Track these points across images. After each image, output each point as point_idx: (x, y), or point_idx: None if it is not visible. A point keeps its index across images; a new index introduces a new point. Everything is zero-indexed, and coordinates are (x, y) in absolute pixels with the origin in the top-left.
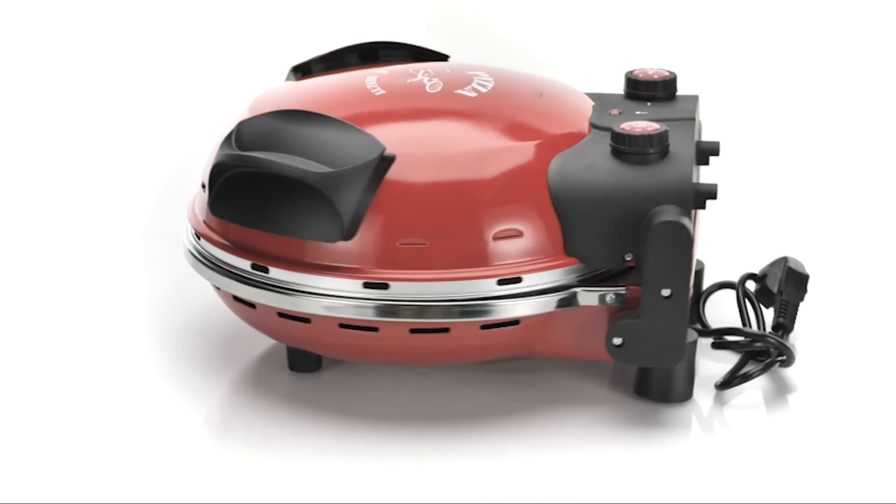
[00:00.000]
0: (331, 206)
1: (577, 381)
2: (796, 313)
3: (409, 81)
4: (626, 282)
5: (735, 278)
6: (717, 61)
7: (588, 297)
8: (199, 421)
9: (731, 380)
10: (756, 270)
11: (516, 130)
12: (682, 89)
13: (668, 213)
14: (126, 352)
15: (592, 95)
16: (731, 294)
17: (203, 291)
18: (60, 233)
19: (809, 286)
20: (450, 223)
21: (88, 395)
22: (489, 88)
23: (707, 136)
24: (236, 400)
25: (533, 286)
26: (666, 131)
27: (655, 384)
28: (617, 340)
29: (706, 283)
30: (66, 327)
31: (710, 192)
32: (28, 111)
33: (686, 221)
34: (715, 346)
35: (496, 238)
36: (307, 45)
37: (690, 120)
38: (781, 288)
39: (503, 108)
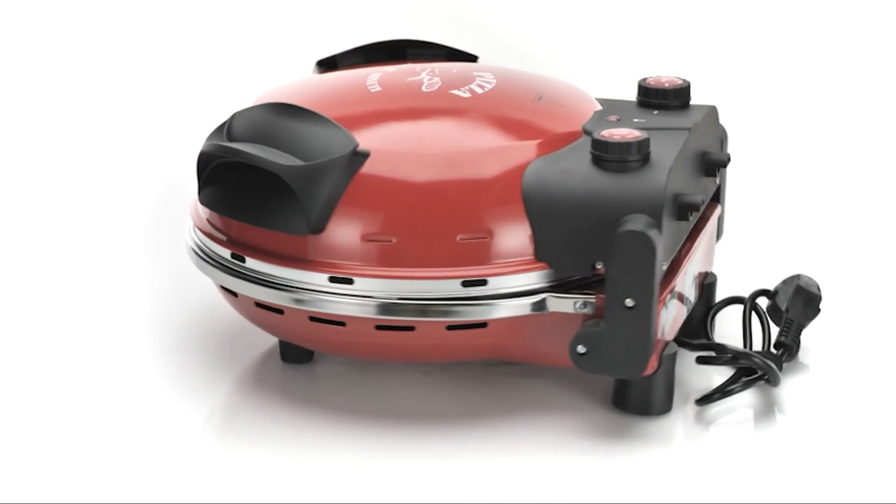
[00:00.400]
0: (299, 200)
1: (573, 387)
2: (800, 333)
3: (408, 80)
4: (597, 290)
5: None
6: (739, 74)
7: (558, 304)
8: (201, 419)
9: (711, 395)
10: (772, 286)
11: (499, 133)
12: (704, 99)
13: (635, 223)
14: (129, 349)
15: (606, 102)
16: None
17: (206, 289)
18: (61, 231)
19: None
20: (416, 222)
21: (89, 394)
22: (487, 89)
23: (731, 147)
24: (238, 398)
25: (499, 289)
26: (646, 140)
27: (632, 396)
28: (581, 349)
29: (720, 297)
30: (67, 326)
31: (693, 205)
32: (31, 112)
33: (652, 232)
34: (699, 360)
35: (463, 239)
36: (307, 45)
37: (685, 130)
38: (788, 306)
39: (493, 110)
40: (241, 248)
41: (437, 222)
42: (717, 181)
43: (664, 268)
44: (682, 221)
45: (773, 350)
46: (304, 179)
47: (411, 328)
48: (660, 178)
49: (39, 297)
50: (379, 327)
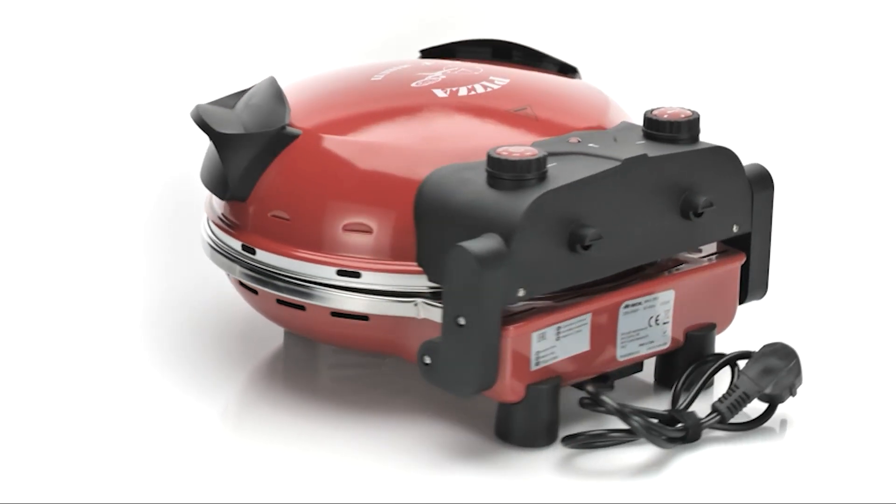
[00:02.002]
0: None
1: None
2: (746, 402)
3: (415, 74)
4: None
5: None
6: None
7: (427, 311)
8: (216, 413)
9: (577, 436)
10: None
11: (434, 135)
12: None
13: (476, 241)
14: (142, 344)
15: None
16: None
17: (221, 284)
18: (74, 229)
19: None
20: (307, 204)
21: (104, 390)
22: (476, 93)
23: None
24: (253, 392)
25: (371, 285)
26: (540, 159)
27: (497, 420)
28: (426, 359)
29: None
30: (80, 324)
31: (593, 237)
32: (34, 109)
33: (478, 249)
34: (581, 403)
35: (346, 229)
36: (308, 45)
37: (616, 161)
38: (742, 371)
39: (454, 112)
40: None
41: (326, 208)
42: (736, 229)
43: (521, 295)
44: (585, 252)
45: (689, 412)
46: (226, 146)
47: (302, 308)
48: (527, 201)
49: (52, 295)
50: (278, 301)
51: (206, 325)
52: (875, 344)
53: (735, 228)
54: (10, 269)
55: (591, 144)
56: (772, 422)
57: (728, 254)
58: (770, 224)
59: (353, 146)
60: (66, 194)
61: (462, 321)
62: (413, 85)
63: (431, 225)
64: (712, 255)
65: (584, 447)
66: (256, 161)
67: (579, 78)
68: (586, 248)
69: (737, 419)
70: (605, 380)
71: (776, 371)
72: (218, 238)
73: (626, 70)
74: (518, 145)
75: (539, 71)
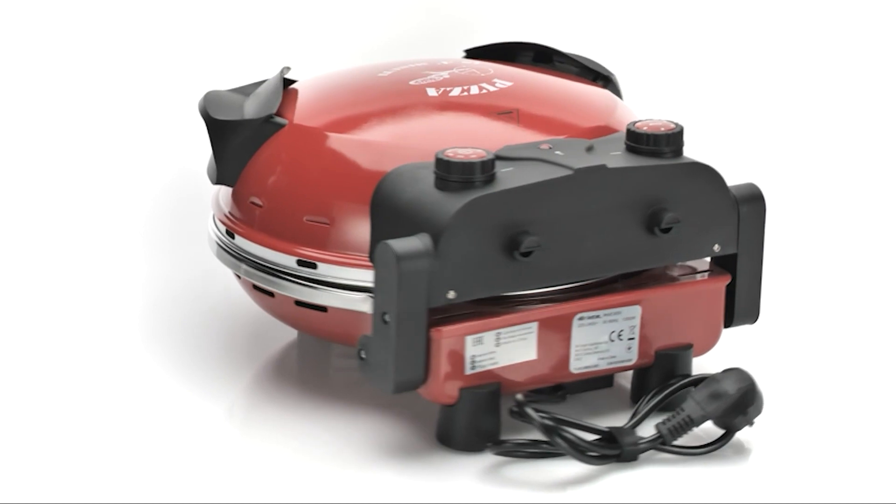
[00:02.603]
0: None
1: None
2: (689, 428)
3: (419, 72)
4: None
5: None
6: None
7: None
8: (222, 412)
9: (502, 443)
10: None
11: (405, 133)
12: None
13: (402, 240)
14: (147, 344)
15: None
16: None
17: (228, 282)
18: (80, 226)
19: None
20: (276, 192)
21: (110, 389)
22: (469, 94)
23: None
24: (259, 392)
25: (326, 276)
26: (486, 162)
27: (438, 423)
28: (362, 353)
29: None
30: (87, 320)
31: (517, 244)
32: (36, 106)
33: (400, 247)
34: (510, 413)
35: (307, 220)
36: (307, 45)
37: (569, 169)
38: (691, 394)
39: (435, 112)
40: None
41: (290, 198)
42: (718, 248)
43: (451, 297)
44: (526, 260)
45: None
46: (214, 130)
47: (272, 294)
48: (460, 203)
49: (58, 294)
50: (254, 286)
51: (213, 322)
52: (861, 382)
53: (717, 248)
54: (17, 267)
55: (557, 152)
56: (728, 449)
57: (710, 273)
58: (760, 247)
59: (324, 139)
60: (71, 192)
61: (387, 318)
62: (411, 83)
63: (381, 221)
64: (694, 273)
65: (508, 454)
66: (243, 148)
67: (614, 86)
68: (525, 255)
69: (692, 443)
70: (557, 391)
71: (724, 397)
72: (217, 229)
73: (658, 77)
74: (469, 147)
75: (568, 77)
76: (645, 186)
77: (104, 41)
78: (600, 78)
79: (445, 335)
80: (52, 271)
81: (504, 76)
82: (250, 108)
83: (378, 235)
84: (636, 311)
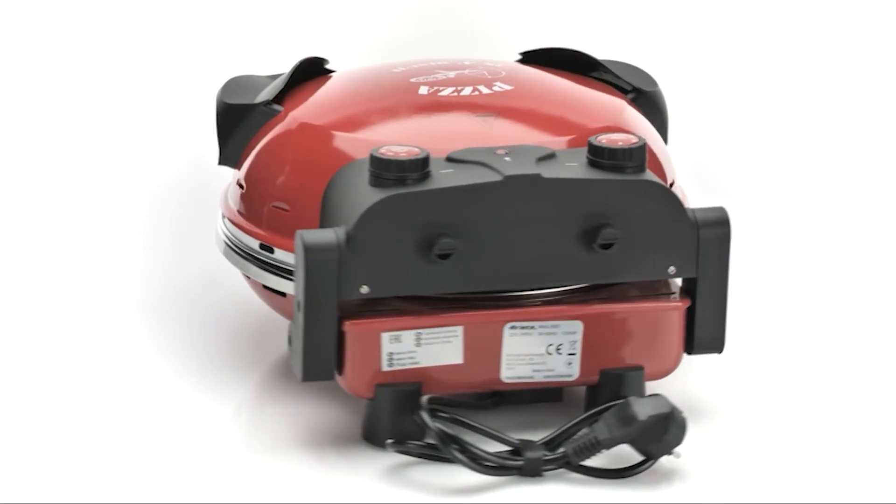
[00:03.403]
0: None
1: None
2: (597, 450)
3: (427, 70)
4: None
5: None
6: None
7: None
8: (229, 413)
9: (403, 442)
10: None
11: (373, 128)
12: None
13: (315, 230)
14: (154, 342)
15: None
16: None
17: (235, 282)
18: (85, 223)
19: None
20: (253, 177)
21: (117, 389)
22: (459, 95)
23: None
24: (267, 393)
25: (283, 262)
26: (416, 160)
27: (363, 419)
28: (288, 340)
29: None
30: (94, 320)
31: (431, 245)
32: (38, 104)
33: (310, 238)
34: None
35: (273, 206)
36: (308, 44)
37: (499, 175)
38: (603, 416)
39: (415, 111)
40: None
41: (263, 183)
42: (673, 271)
43: (364, 291)
44: (445, 262)
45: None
46: (221, 114)
47: (248, 276)
48: (377, 198)
49: (63, 292)
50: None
51: (220, 320)
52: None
53: (672, 270)
54: (21, 265)
55: (506, 158)
56: (649, 476)
57: (666, 296)
58: (724, 274)
59: (299, 127)
60: (77, 190)
61: (299, 306)
62: (412, 80)
63: (325, 211)
64: (651, 294)
65: (407, 454)
66: (244, 131)
67: (648, 98)
68: (442, 257)
69: (609, 466)
70: (490, 398)
71: (634, 422)
72: (226, 229)
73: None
74: (405, 145)
75: (598, 86)
76: (585, 200)
77: (114, 34)
78: (633, 91)
79: (359, 329)
80: (54, 270)
81: (510, 79)
82: (260, 95)
83: (323, 225)
84: (577, 326)
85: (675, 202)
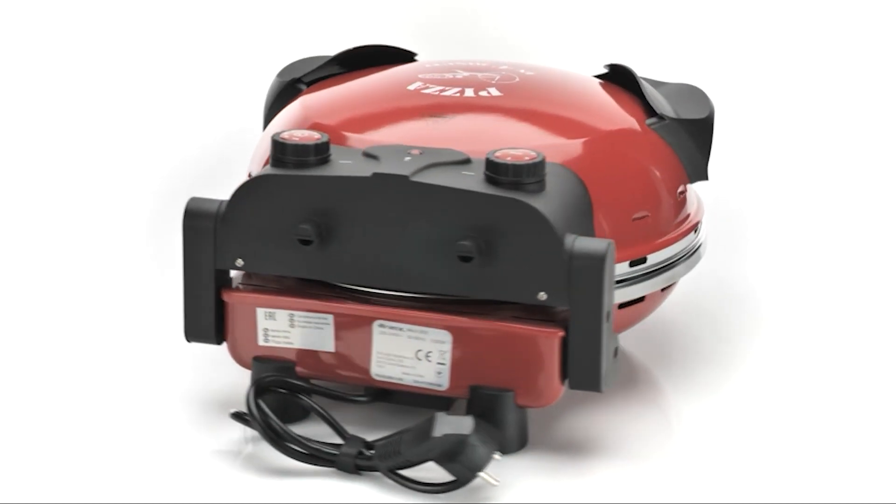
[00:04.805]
0: None
1: None
2: (397, 457)
3: (441, 67)
4: None
5: None
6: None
7: None
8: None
9: (245, 415)
10: None
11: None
12: None
13: (206, 199)
14: (156, 348)
15: None
16: None
17: None
18: (90, 225)
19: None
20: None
21: (122, 399)
22: (445, 94)
23: None
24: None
25: None
26: (307, 146)
27: None
28: None
29: None
30: (98, 327)
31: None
32: (38, 108)
33: (192, 204)
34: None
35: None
36: (307, 44)
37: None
38: (412, 427)
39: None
40: None
41: (252, 159)
42: (544, 297)
43: (239, 265)
44: (312, 249)
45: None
46: (270, 89)
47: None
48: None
49: (68, 291)
50: None
51: None
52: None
53: (542, 296)
54: (24, 268)
55: (405, 158)
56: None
57: (541, 323)
58: (598, 309)
59: (289, 112)
60: (82, 188)
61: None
62: (420, 75)
63: None
64: (526, 317)
65: (244, 423)
66: (272, 108)
67: (665, 123)
68: (304, 242)
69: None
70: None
71: (426, 439)
72: None
73: None
74: (305, 131)
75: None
76: (448, 209)
77: (113, 41)
78: (655, 115)
79: (236, 300)
80: (56, 270)
81: (515, 84)
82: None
83: None
84: (445, 335)
85: (546, 227)
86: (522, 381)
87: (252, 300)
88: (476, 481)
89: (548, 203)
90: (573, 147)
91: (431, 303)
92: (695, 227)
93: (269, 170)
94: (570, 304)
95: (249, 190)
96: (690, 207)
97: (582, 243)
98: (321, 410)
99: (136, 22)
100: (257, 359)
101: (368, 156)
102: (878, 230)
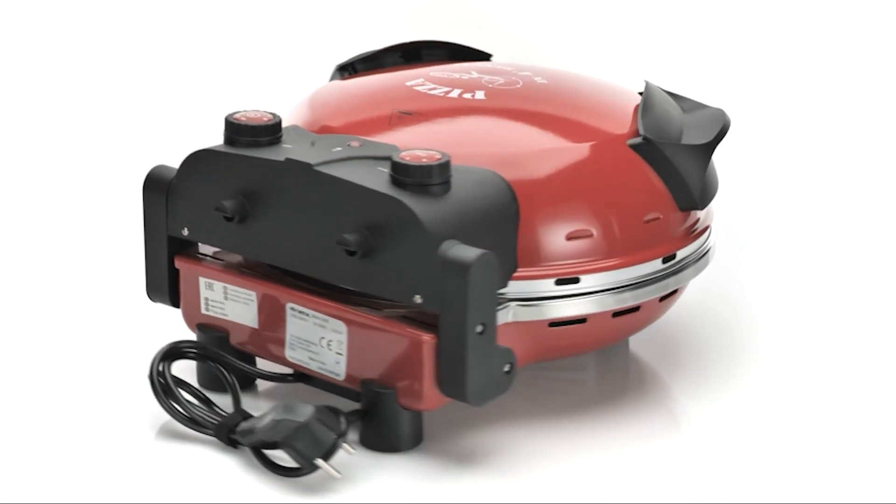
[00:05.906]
0: None
1: None
2: (252, 435)
3: (465, 70)
4: None
5: None
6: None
7: None
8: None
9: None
10: None
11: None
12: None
13: (168, 167)
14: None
15: None
16: None
17: None
18: (91, 225)
19: None
20: None
21: (123, 389)
22: (439, 95)
23: None
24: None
25: None
26: (261, 126)
27: None
28: None
29: None
30: (97, 326)
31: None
32: (37, 108)
33: (153, 172)
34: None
35: None
36: (306, 44)
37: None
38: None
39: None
40: None
41: None
42: (420, 301)
43: (185, 234)
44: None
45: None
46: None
47: None
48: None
49: (70, 292)
50: None
51: None
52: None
53: (418, 299)
54: (23, 268)
55: (335, 148)
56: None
57: (418, 325)
58: (462, 319)
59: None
60: (82, 188)
61: None
62: (431, 73)
63: None
64: (404, 318)
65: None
66: None
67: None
68: (227, 219)
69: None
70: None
71: (263, 419)
72: None
73: None
74: (258, 111)
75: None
76: (339, 200)
77: (114, 42)
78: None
79: (183, 266)
80: (56, 270)
81: (511, 89)
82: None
83: None
84: (341, 326)
85: (420, 228)
86: (402, 382)
87: (196, 269)
88: (321, 472)
89: (438, 207)
90: (516, 157)
91: (336, 292)
92: (666, 257)
93: (211, 146)
94: (440, 310)
95: (191, 163)
96: (667, 234)
97: (456, 250)
98: (229, 378)
99: (138, 22)
100: (199, 326)
101: (312, 143)
102: (882, 232)
